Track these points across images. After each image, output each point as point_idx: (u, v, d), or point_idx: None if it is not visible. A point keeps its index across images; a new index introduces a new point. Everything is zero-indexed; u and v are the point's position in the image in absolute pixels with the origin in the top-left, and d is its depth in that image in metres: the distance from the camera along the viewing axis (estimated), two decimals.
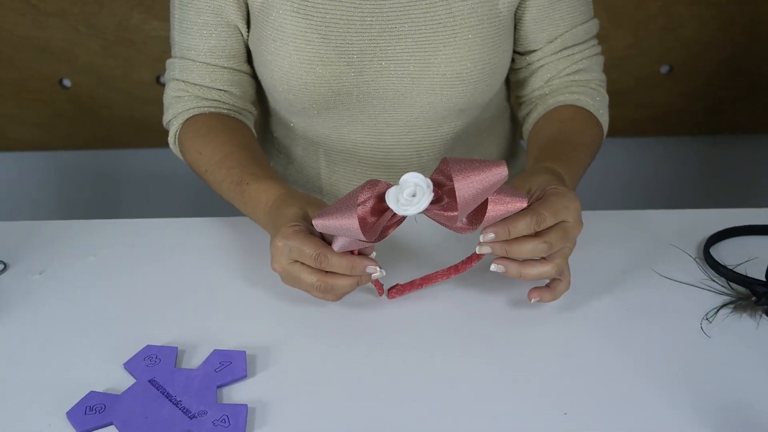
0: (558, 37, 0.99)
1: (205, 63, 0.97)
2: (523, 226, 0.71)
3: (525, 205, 0.71)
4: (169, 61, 1.01)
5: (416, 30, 0.93)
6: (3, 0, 1.60)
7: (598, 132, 0.99)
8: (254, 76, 1.02)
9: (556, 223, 0.73)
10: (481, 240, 0.73)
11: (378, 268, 0.74)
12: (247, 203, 0.87)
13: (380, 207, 0.70)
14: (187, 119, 0.98)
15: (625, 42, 1.64)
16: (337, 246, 0.73)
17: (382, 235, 0.72)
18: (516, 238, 0.72)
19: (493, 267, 0.74)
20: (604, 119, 1.00)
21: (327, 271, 0.74)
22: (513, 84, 1.07)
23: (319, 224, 0.71)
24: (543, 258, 0.73)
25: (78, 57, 1.66)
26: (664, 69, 1.68)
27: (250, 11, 0.96)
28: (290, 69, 0.94)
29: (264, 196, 0.84)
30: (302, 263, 0.74)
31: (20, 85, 1.70)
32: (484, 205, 0.70)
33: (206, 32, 0.97)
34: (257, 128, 1.04)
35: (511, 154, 1.17)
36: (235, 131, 0.96)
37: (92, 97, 1.71)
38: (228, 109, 0.99)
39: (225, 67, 0.98)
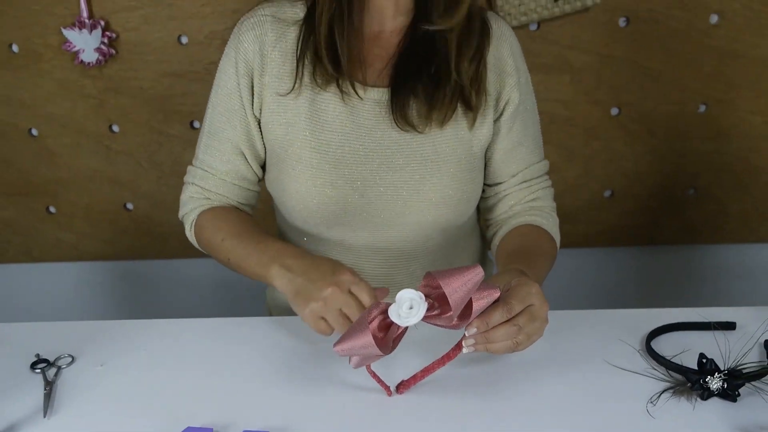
0: (519, 172, 1.02)
1: (221, 179, 1.00)
2: (497, 317, 0.73)
3: (498, 294, 0.73)
4: (190, 168, 1.03)
5: (408, 163, 0.96)
6: (83, 141, 1.64)
7: (553, 245, 1.01)
8: (258, 191, 1.05)
9: (524, 308, 0.75)
10: (466, 335, 0.74)
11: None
12: (268, 251, 0.87)
13: (386, 323, 0.71)
14: (202, 211, 1.00)
15: (576, 173, 1.68)
16: (353, 363, 0.73)
17: (393, 345, 0.73)
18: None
19: (465, 350, 0.75)
20: (557, 236, 1.03)
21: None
22: (482, 209, 1.09)
23: (339, 349, 0.70)
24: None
25: (140, 186, 1.70)
26: (607, 193, 1.72)
27: (271, 147, 0.99)
28: (306, 192, 0.96)
29: (289, 246, 0.88)
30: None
31: (91, 207, 1.73)
32: (468, 302, 0.71)
33: (225, 158, 0.99)
34: None
35: (481, 264, 1.18)
36: (245, 216, 1.00)
37: (149, 217, 1.74)
38: (234, 206, 1.02)
39: (236, 185, 1.01)
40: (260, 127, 0.98)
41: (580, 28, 1.54)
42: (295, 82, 0.94)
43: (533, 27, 1.53)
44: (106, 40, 1.51)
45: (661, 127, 1.64)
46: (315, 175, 0.95)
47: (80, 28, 1.48)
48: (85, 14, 1.48)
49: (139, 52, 1.55)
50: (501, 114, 0.99)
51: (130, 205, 1.73)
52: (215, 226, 0.97)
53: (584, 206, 1.72)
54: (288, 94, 0.94)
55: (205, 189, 1.00)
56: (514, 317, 0.74)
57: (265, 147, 1.00)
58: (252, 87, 0.96)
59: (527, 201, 1.03)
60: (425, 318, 0.70)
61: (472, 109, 0.95)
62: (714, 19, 1.53)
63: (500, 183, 1.04)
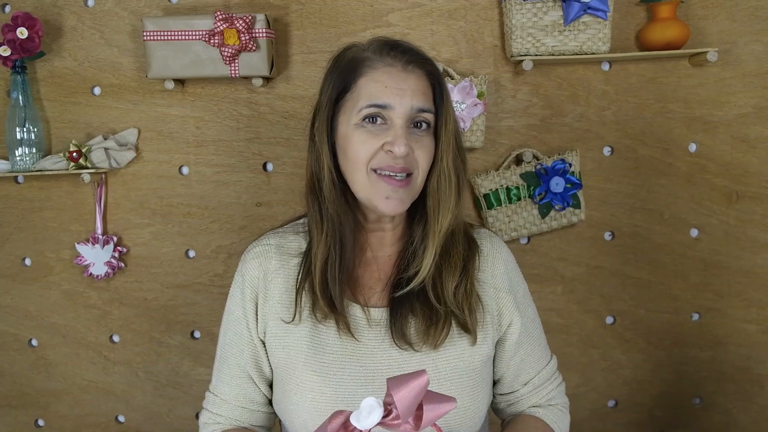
0: (530, 380, 1.01)
1: (230, 403, 0.98)
2: None
3: (455, 406, 0.70)
4: (207, 393, 1.01)
5: None
6: (81, 351, 1.59)
7: None
8: (272, 413, 1.01)
9: None
10: None
11: None
12: None
13: (348, 430, 0.70)
14: None
15: (575, 382, 1.61)
16: None
17: None
18: None
19: None
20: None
21: None
22: (496, 411, 1.06)
23: None
24: None
25: (135, 397, 1.61)
26: (611, 403, 1.63)
27: (275, 368, 0.96)
28: (308, 416, 0.91)
29: None
30: None
31: (81, 420, 1.62)
32: (421, 410, 0.70)
33: (234, 383, 0.98)
34: None
35: None
36: None
37: (139, 430, 1.63)
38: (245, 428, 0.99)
39: (245, 408, 0.98)
40: (266, 349, 0.98)
41: (567, 242, 1.57)
42: (295, 314, 0.93)
43: (524, 241, 1.57)
44: (116, 255, 1.53)
45: (657, 336, 1.61)
46: (316, 399, 0.91)
47: (93, 244, 1.51)
48: (99, 231, 1.52)
49: (147, 265, 1.56)
50: (504, 336, 0.99)
51: (121, 418, 1.63)
52: None
53: (588, 417, 1.63)
54: (290, 322, 0.94)
55: (216, 414, 0.99)
56: None
57: (271, 368, 0.99)
58: (257, 311, 0.97)
59: (541, 404, 1.01)
60: (384, 424, 0.69)
61: (468, 332, 0.94)
62: (694, 233, 1.57)
63: (513, 392, 1.02)
